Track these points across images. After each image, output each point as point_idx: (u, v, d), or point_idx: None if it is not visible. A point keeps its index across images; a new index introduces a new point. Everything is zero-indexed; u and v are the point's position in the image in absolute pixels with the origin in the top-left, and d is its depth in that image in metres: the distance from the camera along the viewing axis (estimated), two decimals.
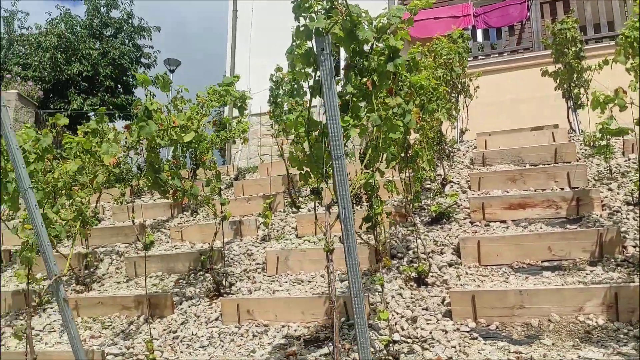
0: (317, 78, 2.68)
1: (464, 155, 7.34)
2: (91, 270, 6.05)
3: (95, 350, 3.89)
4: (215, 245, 6.09)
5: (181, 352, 3.96)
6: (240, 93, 5.58)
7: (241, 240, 6.14)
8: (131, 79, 22.36)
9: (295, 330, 3.96)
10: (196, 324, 4.34)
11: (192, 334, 4.18)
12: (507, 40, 10.65)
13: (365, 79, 2.92)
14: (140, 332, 4.44)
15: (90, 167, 5.86)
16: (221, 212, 4.88)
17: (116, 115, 20.49)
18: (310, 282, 4.68)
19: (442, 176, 6.22)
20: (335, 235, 5.54)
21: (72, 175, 5.33)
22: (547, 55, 9.00)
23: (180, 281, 5.37)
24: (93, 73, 19.80)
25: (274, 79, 6.70)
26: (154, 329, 4.43)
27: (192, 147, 5.01)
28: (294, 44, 2.74)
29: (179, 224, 7.34)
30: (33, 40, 20.25)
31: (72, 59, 19.49)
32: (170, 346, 4.07)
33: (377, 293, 4.13)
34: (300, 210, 6.65)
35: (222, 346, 3.93)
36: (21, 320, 5.14)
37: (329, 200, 2.89)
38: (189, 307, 4.68)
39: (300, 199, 6.93)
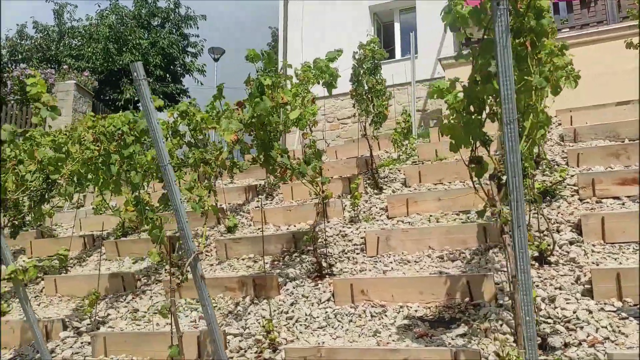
0: (484, 37, 2.50)
1: (549, 132, 7.05)
2: (179, 253, 6.02)
3: (217, 331, 3.82)
4: (303, 227, 6.02)
5: (300, 332, 3.87)
6: (333, 69, 5.44)
7: (328, 222, 6.02)
8: (179, 68, 22.54)
9: (416, 311, 3.82)
10: (307, 305, 4.24)
11: (306, 315, 4.09)
12: (579, 14, 10.21)
13: (520, 40, 2.74)
14: (249, 313, 4.37)
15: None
16: (322, 192, 4.77)
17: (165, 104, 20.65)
18: (418, 262, 4.53)
19: (537, 153, 5.96)
20: (431, 215, 5.39)
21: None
22: (622, 28, 8.61)
23: (275, 263, 5.30)
24: (143, 63, 19.92)
25: (357, 57, 6.54)
26: (264, 309, 4.36)
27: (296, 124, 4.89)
28: (452, 2, 2.57)
29: (256, 207, 7.29)
30: (84, 31, 20.56)
31: (123, 49, 19.71)
32: (286, 327, 3.98)
33: (499, 272, 3.95)
34: (383, 191, 6.50)
35: (342, 327, 3.83)
36: (121, 302, 5.15)
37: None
38: (294, 287, 4.59)
39: (380, 180, 6.77)
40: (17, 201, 6.01)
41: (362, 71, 6.45)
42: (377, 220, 5.64)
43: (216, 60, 25.55)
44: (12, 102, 15.64)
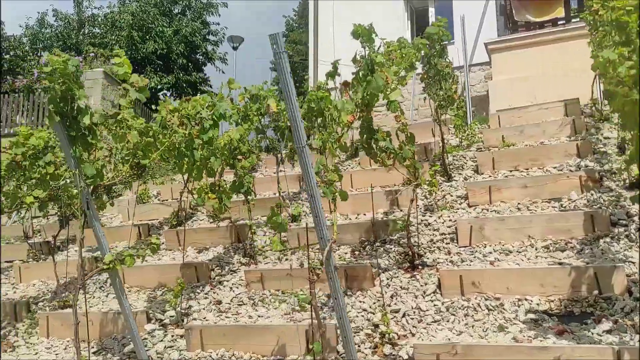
0: None
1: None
2: (247, 242, 5.82)
3: (328, 325, 3.61)
4: (376, 217, 5.79)
5: (413, 327, 3.65)
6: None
7: (400, 210, 5.80)
8: (200, 57, 22.29)
9: (538, 305, 3.59)
10: (410, 297, 4.03)
11: (413, 308, 3.87)
12: None
13: None
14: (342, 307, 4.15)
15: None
16: (416, 178, 4.54)
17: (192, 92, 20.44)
18: (521, 252, 4.29)
19: (622, 137, 5.70)
20: (519, 203, 5.15)
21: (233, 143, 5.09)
22: None
23: (356, 253, 5.08)
24: (167, 51, 19.73)
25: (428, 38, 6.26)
26: (361, 302, 4.14)
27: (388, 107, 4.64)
28: None
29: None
30: (107, 19, 20.33)
31: (147, 37, 19.47)
32: (394, 320, 3.77)
33: (626, 263, 3.71)
34: (453, 179, 6.27)
35: (458, 321, 3.61)
36: (199, 293, 4.95)
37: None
38: (389, 279, 4.37)
39: (449, 166, 6.53)
40: (69, 190, 5.80)
41: (434, 52, 6.19)
42: (458, 209, 5.40)
43: (235, 48, 25.27)
44: (40, 90, 15.46)
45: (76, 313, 3.53)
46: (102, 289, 5.73)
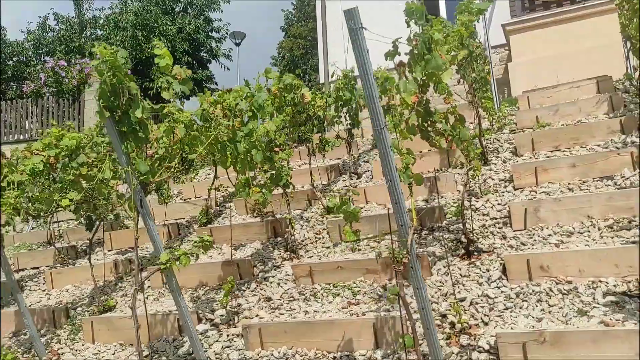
0: None
1: None
2: (287, 236, 5.67)
3: (397, 316, 3.47)
4: (419, 204, 5.64)
5: (485, 315, 3.50)
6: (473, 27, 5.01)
7: (442, 197, 5.65)
8: (204, 54, 22.09)
9: (615, 286, 3.44)
10: (474, 285, 3.88)
11: (480, 296, 3.72)
12: None
13: None
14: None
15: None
16: (470, 162, 4.38)
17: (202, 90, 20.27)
18: (582, 233, 4.14)
19: None
20: (569, 183, 4.99)
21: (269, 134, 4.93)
22: None
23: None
24: (171, 50, 19.50)
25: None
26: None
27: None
28: None
29: (345, 187, 6.93)
30: (110, 20, 20.15)
31: (151, 36, 19.27)
32: (462, 309, 3.62)
33: None
34: (490, 162, 6.11)
35: (533, 307, 3.46)
36: (245, 290, 4.80)
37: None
38: (445, 267, 4.22)
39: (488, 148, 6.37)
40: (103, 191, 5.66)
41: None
42: (503, 193, 5.24)
43: (238, 44, 25.13)
44: (47, 94, 15.31)
45: (136, 316, 3.39)
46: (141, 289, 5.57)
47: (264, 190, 4.90)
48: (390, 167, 2.64)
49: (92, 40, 20.63)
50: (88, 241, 7.77)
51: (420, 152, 7.05)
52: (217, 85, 22.60)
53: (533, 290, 3.59)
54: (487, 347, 3.13)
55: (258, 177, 5.99)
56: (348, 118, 7.43)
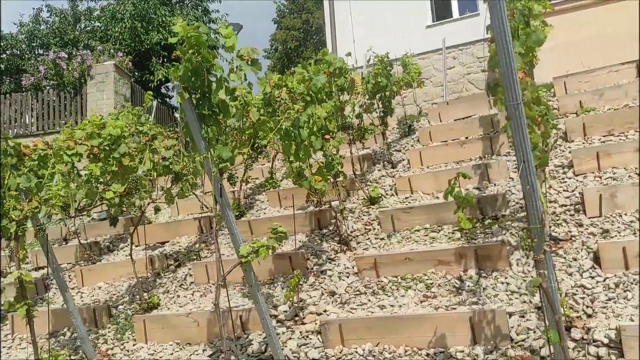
0: None
1: None
2: (340, 228, 5.44)
3: (498, 311, 3.25)
4: (476, 191, 5.43)
5: (587, 306, 3.31)
6: None
7: (494, 185, 5.44)
8: None
9: None
10: (563, 275, 3.67)
11: (575, 286, 3.52)
12: None
13: None
14: (484, 289, 3.80)
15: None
16: (547, 144, 4.16)
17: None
18: None
19: None
20: (615, 168, 4.81)
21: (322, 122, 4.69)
22: None
23: (465, 232, 4.71)
24: (170, 43, 19.05)
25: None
26: (502, 283, 3.79)
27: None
28: None
29: (382, 176, 6.70)
30: (106, 12, 19.68)
31: (149, 28, 18.85)
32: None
33: None
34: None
35: None
36: (304, 284, 4.56)
37: None
38: (523, 257, 4.02)
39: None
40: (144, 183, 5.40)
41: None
42: (564, 179, 5.04)
43: None
44: (48, 87, 14.90)
45: (219, 313, 3.14)
46: (183, 286, 5.33)
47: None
48: (525, 146, 2.41)
49: (89, 32, 20.14)
50: (109, 237, 7.52)
51: (466, 138, 6.87)
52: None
53: (634, 280, 3.40)
54: (605, 340, 2.93)
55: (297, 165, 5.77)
56: (381, 105, 7.19)
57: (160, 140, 5.22)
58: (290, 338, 3.78)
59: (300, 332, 3.80)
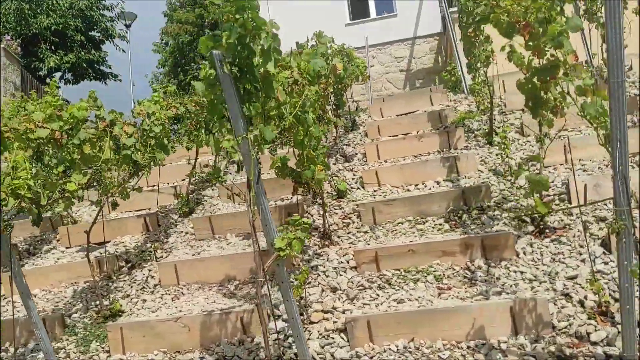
0: None
1: None
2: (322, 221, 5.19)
3: (539, 298, 3.20)
4: (449, 182, 5.44)
5: (614, 291, 3.35)
6: None
7: (465, 177, 5.49)
8: (98, 34, 20.21)
9: None
10: (575, 262, 3.72)
11: (591, 272, 3.57)
12: None
13: None
14: (497, 278, 3.76)
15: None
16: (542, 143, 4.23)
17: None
18: None
19: None
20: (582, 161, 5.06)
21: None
22: None
23: (452, 223, 4.68)
24: (63, 27, 17.58)
25: None
26: (516, 272, 3.78)
27: None
28: None
29: (339, 170, 6.55)
30: None
31: (38, 10, 17.19)
32: (580, 287, 3.45)
33: None
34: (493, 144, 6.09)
35: None
36: (292, 280, 4.27)
37: None
38: (528, 246, 4.05)
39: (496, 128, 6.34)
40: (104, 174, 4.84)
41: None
42: (536, 172, 5.19)
43: (128, 26, 23.45)
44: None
45: (265, 314, 2.79)
46: (146, 290, 4.80)
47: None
48: (622, 125, 2.35)
49: None
50: (25, 239, 6.67)
51: (418, 132, 6.89)
52: (110, 68, 20.71)
53: None
54: None
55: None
56: (333, 98, 7.03)
57: (120, 126, 4.67)
58: (309, 338, 3.49)
59: (319, 331, 3.52)
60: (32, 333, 4.42)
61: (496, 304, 3.24)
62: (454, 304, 3.38)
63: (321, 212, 5.47)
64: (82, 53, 17.92)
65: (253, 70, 2.68)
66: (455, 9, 10.45)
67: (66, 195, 4.14)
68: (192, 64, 32.32)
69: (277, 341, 3.56)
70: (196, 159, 6.50)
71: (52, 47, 17.43)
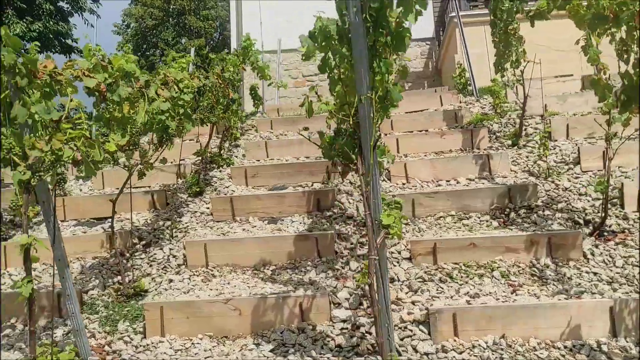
0: None
1: None
2: (334, 210, 4.91)
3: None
4: (484, 180, 5.27)
5: None
6: None
7: (499, 176, 5.35)
8: (67, 5, 19.19)
9: None
10: None
11: None
12: None
13: None
14: (569, 278, 3.60)
15: None
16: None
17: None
18: None
19: None
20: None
21: None
22: None
23: (499, 220, 4.50)
24: None
25: None
26: (591, 273, 3.62)
27: None
28: None
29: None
30: None
31: None
32: None
33: None
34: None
35: None
36: (338, 267, 3.98)
37: None
38: (593, 247, 3.91)
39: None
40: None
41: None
42: (576, 175, 5.10)
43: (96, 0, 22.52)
44: None
45: (385, 293, 2.49)
46: (167, 269, 4.39)
47: None
48: None
49: None
50: (8, 209, 6.06)
51: (439, 129, 6.72)
52: (77, 43, 19.68)
53: None
54: None
55: None
56: None
57: (155, 88, 4.28)
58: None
59: (395, 324, 3.24)
60: (42, 309, 3.95)
61: (594, 303, 3.05)
62: (550, 302, 3.17)
63: (351, 200, 5.20)
64: (51, 23, 16.92)
65: (388, 22, 2.39)
66: (454, 13, 10.43)
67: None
68: (154, 49, 31.34)
69: (343, 330, 3.26)
70: (210, 136, 6.10)
71: (20, 14, 16.39)
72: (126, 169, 4.22)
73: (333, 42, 2.53)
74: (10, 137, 2.99)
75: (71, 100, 3.05)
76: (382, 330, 2.79)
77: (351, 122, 2.76)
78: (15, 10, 16.28)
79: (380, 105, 2.49)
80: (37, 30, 16.31)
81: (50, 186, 2.88)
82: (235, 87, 6.76)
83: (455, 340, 3.06)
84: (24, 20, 16.10)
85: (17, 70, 2.83)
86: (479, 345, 3.00)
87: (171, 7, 33.90)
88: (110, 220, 5.44)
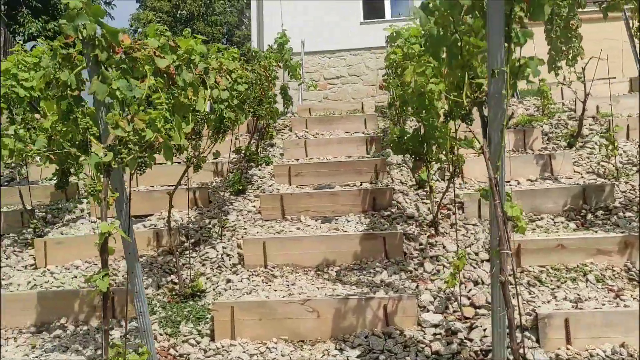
0: None
1: None
2: (392, 210, 4.64)
3: None
4: (549, 181, 5.00)
5: None
6: None
7: (563, 177, 5.08)
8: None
9: None
10: None
11: None
12: None
13: None
14: None
15: None
16: None
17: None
18: None
19: None
20: None
21: None
22: None
23: (576, 222, 4.22)
24: None
25: None
26: None
27: None
28: None
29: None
30: None
31: None
32: None
33: None
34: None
35: None
36: (410, 268, 3.69)
37: None
38: None
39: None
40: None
41: None
42: None
43: (108, 3, 22.43)
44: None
45: (507, 295, 2.20)
46: (222, 269, 4.11)
47: None
48: None
49: None
50: (38, 205, 5.77)
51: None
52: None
53: None
54: None
55: None
56: None
57: (214, 75, 4.02)
58: (484, 336, 2.91)
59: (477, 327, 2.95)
60: (94, 308, 3.66)
61: None
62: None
63: (407, 200, 4.93)
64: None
65: None
66: None
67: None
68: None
69: (437, 336, 2.97)
70: (255, 129, 5.82)
71: (36, 13, 16.19)
72: (184, 162, 3.94)
73: (457, 12, 2.27)
74: (86, 117, 2.72)
75: (150, 80, 2.77)
76: (496, 338, 2.50)
77: (465, 103, 2.48)
78: (31, 10, 16.07)
79: (513, 81, 2.22)
80: (52, 30, 16.09)
81: (130, 171, 2.59)
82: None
83: (568, 349, 2.76)
84: (40, 19, 15.89)
85: (96, 43, 2.58)
86: (597, 354, 2.71)
87: (179, 12, 33.88)
88: (150, 218, 5.25)
